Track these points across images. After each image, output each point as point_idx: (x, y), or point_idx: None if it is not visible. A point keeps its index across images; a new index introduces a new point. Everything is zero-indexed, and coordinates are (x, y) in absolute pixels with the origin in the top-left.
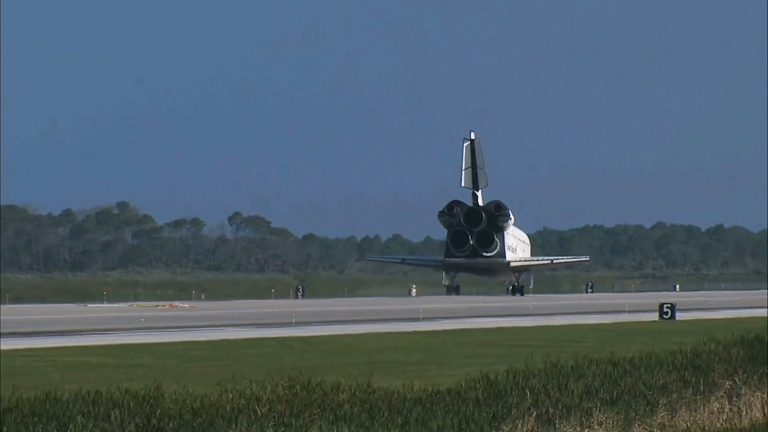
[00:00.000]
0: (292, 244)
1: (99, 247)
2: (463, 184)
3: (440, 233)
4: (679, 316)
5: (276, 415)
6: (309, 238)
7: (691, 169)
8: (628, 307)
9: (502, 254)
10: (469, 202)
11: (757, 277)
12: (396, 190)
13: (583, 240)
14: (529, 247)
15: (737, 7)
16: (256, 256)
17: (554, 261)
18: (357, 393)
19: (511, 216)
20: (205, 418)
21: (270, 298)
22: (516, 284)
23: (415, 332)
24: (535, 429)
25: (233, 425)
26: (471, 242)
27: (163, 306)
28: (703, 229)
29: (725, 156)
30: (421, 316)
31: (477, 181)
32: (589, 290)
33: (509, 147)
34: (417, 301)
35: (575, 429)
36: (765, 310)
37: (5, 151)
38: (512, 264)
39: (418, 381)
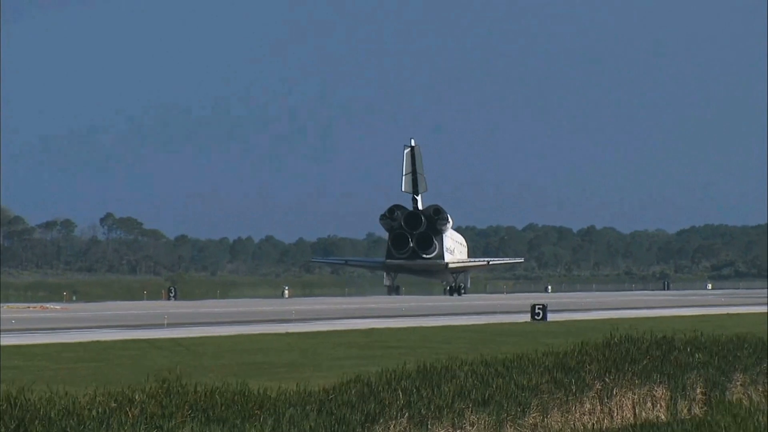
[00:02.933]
0: (164, 245)
1: None
2: (403, 189)
3: (312, 235)
4: (551, 317)
5: (147, 417)
6: (181, 239)
7: (563, 171)
8: (500, 308)
9: (441, 256)
10: (410, 207)
11: (628, 278)
12: (269, 192)
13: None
14: (466, 249)
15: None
16: (128, 258)
17: (491, 262)
18: (229, 394)
19: (450, 219)
20: (76, 420)
21: (142, 299)
22: (453, 285)
23: (287, 333)
24: (408, 430)
25: (104, 427)
26: (411, 244)
27: (34, 308)
28: (575, 231)
29: (598, 159)
30: (293, 318)
31: (417, 186)
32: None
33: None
34: (290, 303)
35: (447, 430)
36: (634, 311)
37: None
38: (450, 265)
39: (290, 382)
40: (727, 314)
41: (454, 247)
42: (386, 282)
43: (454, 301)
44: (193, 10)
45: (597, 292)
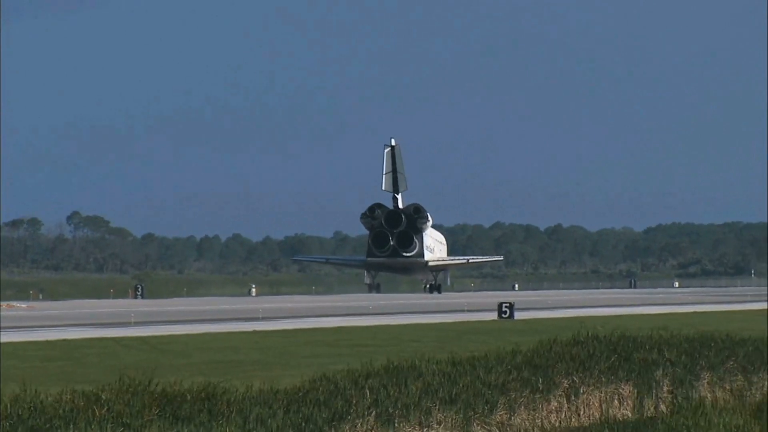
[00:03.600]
0: (131, 243)
1: None
2: (384, 188)
3: (279, 233)
4: (518, 315)
5: (115, 416)
6: (148, 237)
7: (530, 169)
8: (468, 306)
9: (421, 254)
10: (390, 205)
11: (595, 276)
12: (236, 190)
13: None
14: (446, 248)
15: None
16: (95, 256)
17: (470, 260)
18: (197, 393)
19: (430, 218)
20: (43, 418)
21: (109, 297)
22: (433, 282)
23: (254, 332)
24: (375, 428)
25: (71, 426)
26: (392, 243)
27: (1, 306)
28: (542, 229)
29: (566, 157)
30: (260, 316)
31: (397, 185)
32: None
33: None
34: (257, 301)
35: (414, 428)
36: (601, 309)
37: None
38: (430, 263)
39: (257, 381)
40: (694, 312)
41: (434, 246)
42: (367, 280)
43: (422, 299)
44: (160, 12)
45: (564, 291)
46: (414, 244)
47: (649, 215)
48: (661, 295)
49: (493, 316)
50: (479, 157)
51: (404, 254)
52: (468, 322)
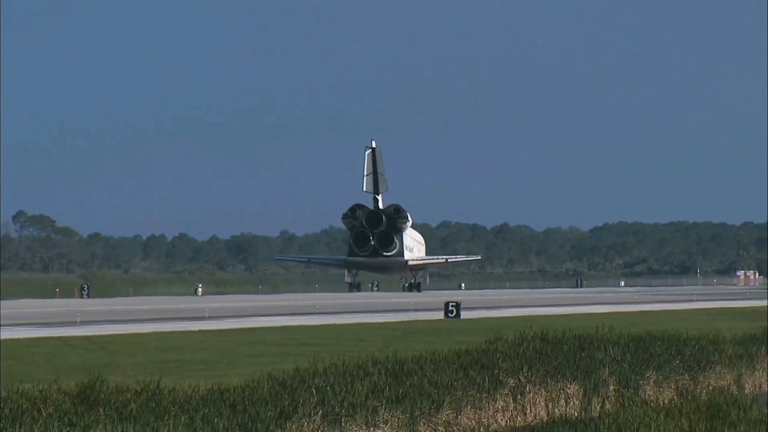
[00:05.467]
0: (77, 243)
1: None
2: (364, 189)
3: (224, 233)
4: (465, 314)
5: (61, 415)
6: (94, 237)
7: (477, 168)
8: (414, 305)
9: (401, 254)
10: (371, 206)
11: (541, 276)
12: (182, 189)
13: None
14: (425, 247)
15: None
16: (41, 255)
17: (449, 260)
18: (143, 392)
19: (409, 218)
20: None
21: (55, 297)
22: (413, 281)
23: (201, 331)
24: (322, 427)
25: (17, 425)
26: (372, 243)
27: None
28: (489, 228)
29: (512, 156)
30: (207, 315)
31: (377, 186)
32: (375, 289)
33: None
34: (203, 300)
35: (361, 427)
36: (548, 308)
37: None
38: (410, 263)
39: (204, 380)
40: (641, 311)
41: (413, 245)
42: (347, 279)
43: (367, 298)
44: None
45: (510, 290)
46: (394, 244)
47: (596, 214)
48: (607, 295)
49: (440, 315)
50: (425, 156)
51: (385, 254)
52: (415, 321)
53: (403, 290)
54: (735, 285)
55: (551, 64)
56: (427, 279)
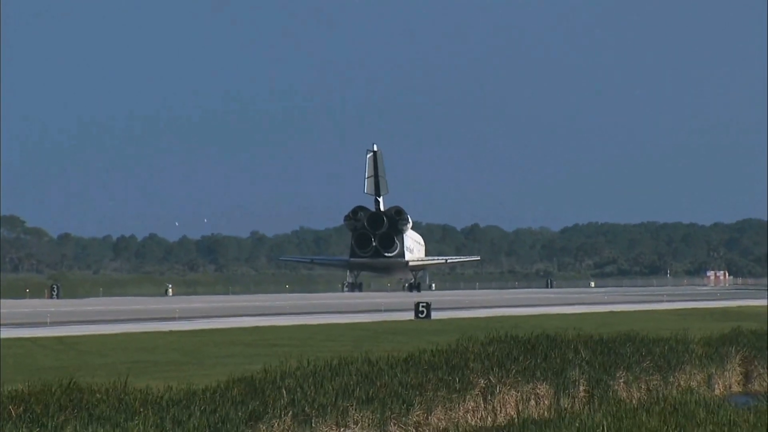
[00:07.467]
0: (47, 243)
1: None
2: (366, 191)
3: (195, 233)
4: (435, 315)
5: (31, 415)
6: (64, 237)
7: (447, 169)
8: (385, 306)
9: (402, 254)
10: (372, 208)
11: (511, 276)
12: (152, 189)
13: (340, 239)
14: (424, 248)
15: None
16: (11, 256)
17: (448, 260)
18: (113, 393)
19: (410, 220)
20: None
21: (24, 297)
22: (413, 282)
23: (171, 332)
24: (292, 428)
25: None
26: (374, 244)
27: None
28: (459, 229)
29: (482, 156)
30: (177, 316)
31: (379, 189)
32: (345, 289)
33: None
34: (173, 301)
35: (331, 428)
36: (518, 309)
37: None
38: (411, 263)
39: (174, 381)
40: (610, 312)
41: (414, 246)
42: (349, 279)
43: (340, 298)
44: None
45: (480, 290)
46: (395, 244)
47: (566, 215)
48: (577, 295)
49: (410, 316)
50: (395, 156)
51: (386, 255)
52: (385, 322)
53: (404, 290)
54: (705, 285)
55: (530, 65)
56: (428, 279)
